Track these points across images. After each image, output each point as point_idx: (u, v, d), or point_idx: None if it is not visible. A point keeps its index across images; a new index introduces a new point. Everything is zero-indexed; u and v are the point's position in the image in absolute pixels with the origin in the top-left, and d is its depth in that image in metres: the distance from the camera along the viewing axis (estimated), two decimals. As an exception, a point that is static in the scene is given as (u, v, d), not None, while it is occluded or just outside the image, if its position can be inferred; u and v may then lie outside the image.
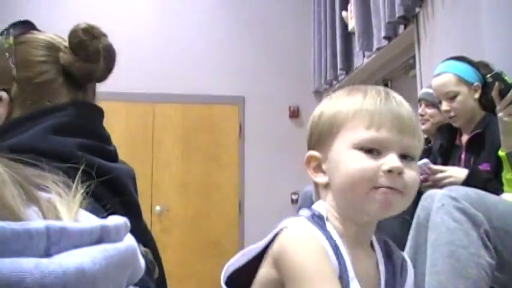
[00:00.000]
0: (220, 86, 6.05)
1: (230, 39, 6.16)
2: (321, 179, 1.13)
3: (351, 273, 1.05)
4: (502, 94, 2.09)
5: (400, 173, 1.04)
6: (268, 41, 6.21)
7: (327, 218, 1.09)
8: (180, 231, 5.83)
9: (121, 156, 1.29)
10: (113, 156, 1.26)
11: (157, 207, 5.75)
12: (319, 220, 1.09)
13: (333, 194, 1.11)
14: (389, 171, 1.03)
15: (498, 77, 2.14)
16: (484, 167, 2.35)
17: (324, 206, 1.12)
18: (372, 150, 1.05)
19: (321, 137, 1.13)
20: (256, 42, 6.18)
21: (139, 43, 5.86)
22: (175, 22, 6.05)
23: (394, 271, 1.14)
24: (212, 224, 5.89)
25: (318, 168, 1.13)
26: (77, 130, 1.19)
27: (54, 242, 0.40)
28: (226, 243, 5.82)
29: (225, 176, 6.01)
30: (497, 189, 2.04)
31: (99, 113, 1.31)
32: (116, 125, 5.51)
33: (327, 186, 1.13)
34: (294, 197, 5.84)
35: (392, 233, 2.35)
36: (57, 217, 0.44)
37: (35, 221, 0.39)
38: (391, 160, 1.04)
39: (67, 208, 0.46)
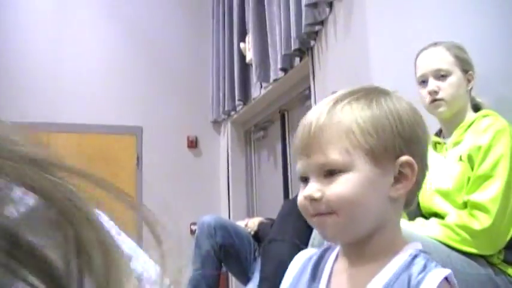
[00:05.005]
0: (117, 116, 5.93)
1: (128, 68, 6.07)
2: None
3: (322, 285, 1.05)
4: None
5: (316, 198, 0.99)
6: (167, 71, 6.18)
7: None
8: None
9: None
10: None
11: (51, 241, 5.51)
12: None
13: None
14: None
15: None
16: None
17: None
18: (306, 180, 1.03)
19: None
20: (154, 72, 6.14)
21: (33, 70, 5.63)
22: (71, 49, 5.89)
23: None
24: (109, 257, 5.70)
25: None
26: None
27: None
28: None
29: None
30: None
31: None
32: (7, 156, 5.24)
33: None
34: (194, 227, 5.79)
35: (281, 258, 2.38)
36: None
37: None
38: (306, 188, 1.01)
39: None
